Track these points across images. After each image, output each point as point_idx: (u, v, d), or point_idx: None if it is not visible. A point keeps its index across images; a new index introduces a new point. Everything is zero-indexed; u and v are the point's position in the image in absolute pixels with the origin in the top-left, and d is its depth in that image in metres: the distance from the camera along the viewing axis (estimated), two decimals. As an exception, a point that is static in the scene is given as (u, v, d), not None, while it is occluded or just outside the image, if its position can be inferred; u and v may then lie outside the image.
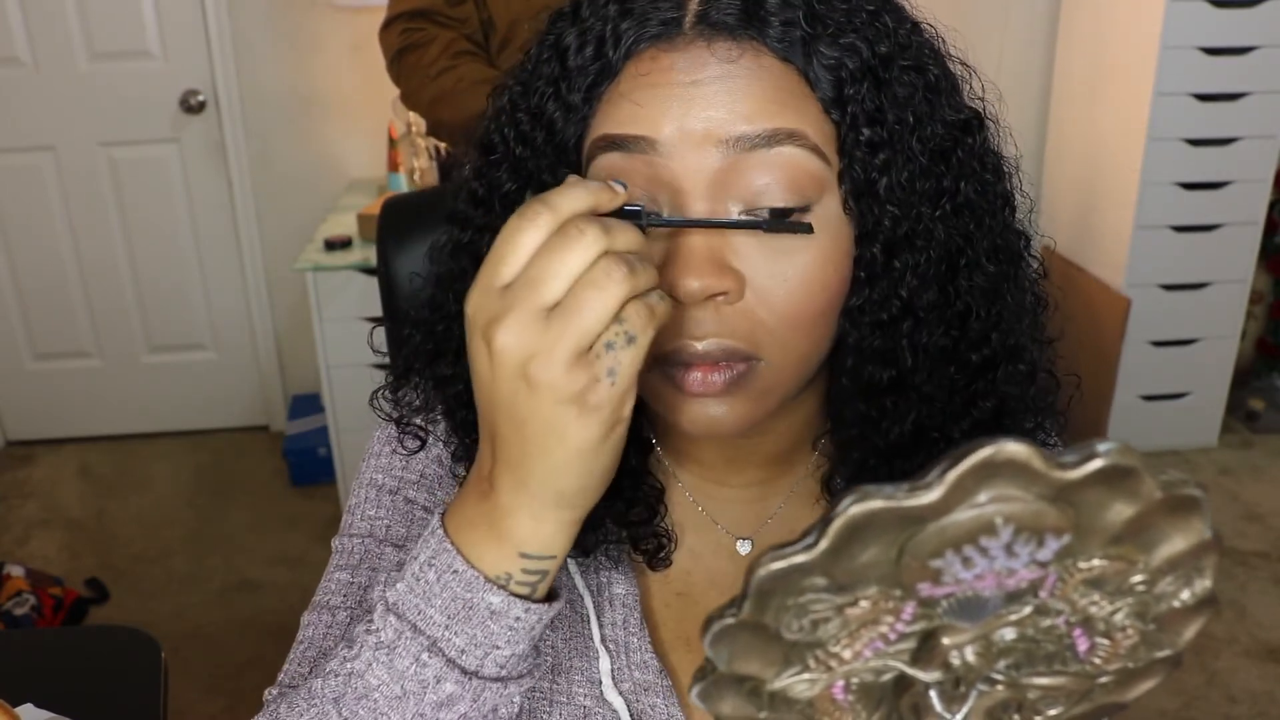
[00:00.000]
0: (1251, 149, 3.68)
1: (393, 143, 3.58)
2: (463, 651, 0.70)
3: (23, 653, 1.63)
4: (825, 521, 0.40)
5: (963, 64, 0.84)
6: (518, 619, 0.70)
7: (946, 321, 0.80)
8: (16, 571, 3.24)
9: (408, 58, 2.56)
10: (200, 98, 3.87)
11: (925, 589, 0.44)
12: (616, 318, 0.62)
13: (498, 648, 0.71)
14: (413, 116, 3.47)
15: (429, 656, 0.70)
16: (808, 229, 0.73)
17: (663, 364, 0.76)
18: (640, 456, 0.89)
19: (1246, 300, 3.91)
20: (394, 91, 2.87)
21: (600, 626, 0.90)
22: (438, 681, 0.70)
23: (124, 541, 3.63)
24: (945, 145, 0.78)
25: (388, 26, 2.61)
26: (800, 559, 0.41)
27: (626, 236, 0.64)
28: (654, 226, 0.72)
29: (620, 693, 0.89)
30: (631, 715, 0.89)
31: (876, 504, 0.39)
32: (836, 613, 0.44)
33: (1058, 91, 4.13)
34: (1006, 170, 0.84)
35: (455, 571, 0.70)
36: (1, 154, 3.88)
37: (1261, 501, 3.75)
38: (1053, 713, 0.55)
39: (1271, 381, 4.39)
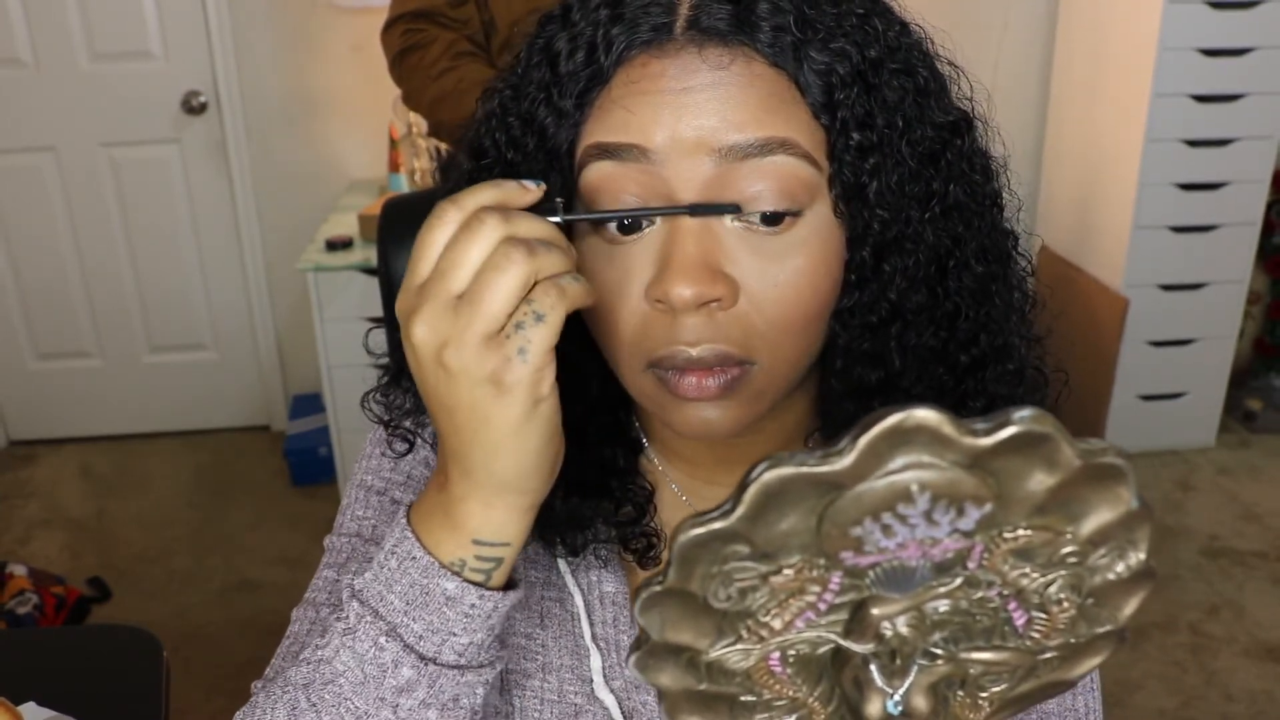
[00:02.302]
0: (1249, 150, 3.68)
1: (393, 143, 3.59)
2: (420, 637, 0.72)
3: (25, 652, 1.64)
4: (741, 488, 0.41)
5: (950, 64, 0.83)
6: (472, 606, 0.71)
7: (935, 323, 0.80)
8: (19, 571, 3.24)
9: (409, 58, 2.57)
10: (201, 98, 3.88)
11: (849, 558, 0.44)
12: (526, 299, 0.64)
13: (454, 635, 0.72)
14: (413, 117, 3.47)
15: (386, 640, 0.71)
16: (735, 209, 0.73)
17: (656, 368, 0.76)
18: (630, 456, 0.90)
19: (1244, 300, 3.91)
20: (394, 92, 2.88)
21: (591, 625, 0.90)
22: (395, 666, 0.71)
23: (125, 541, 3.64)
24: (934, 148, 0.78)
25: (389, 27, 2.62)
26: (718, 525, 0.42)
27: (529, 225, 0.66)
28: (571, 221, 0.73)
29: (611, 690, 0.89)
30: (623, 713, 0.89)
31: (789, 470, 0.40)
32: (762, 581, 0.45)
33: (1056, 92, 4.13)
34: (995, 170, 0.84)
35: (414, 558, 0.71)
36: (3, 154, 3.89)
37: (1259, 501, 3.74)
38: (997, 689, 0.55)
39: (1269, 381, 4.37)
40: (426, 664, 0.72)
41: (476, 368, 0.64)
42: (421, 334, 0.65)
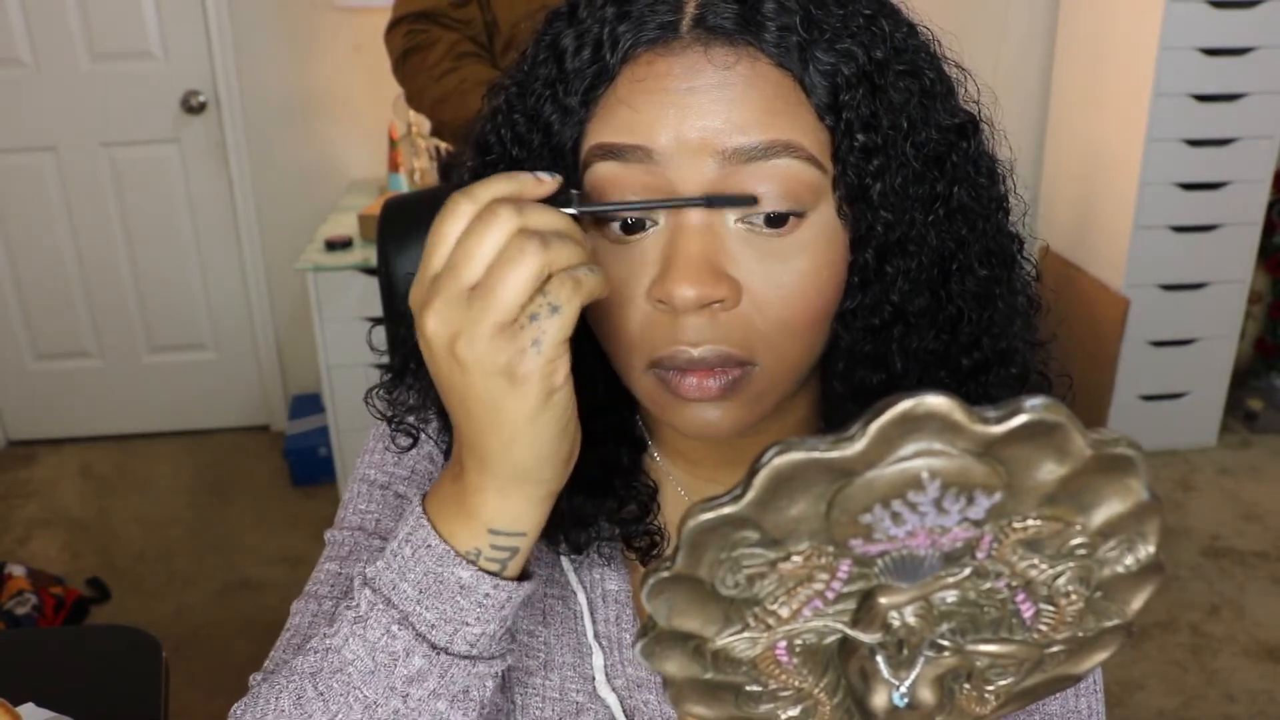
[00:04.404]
0: (1250, 149, 3.68)
1: (393, 143, 3.59)
2: (433, 626, 0.72)
3: (24, 652, 1.63)
4: (751, 473, 0.40)
5: (958, 67, 0.83)
6: (486, 595, 0.71)
7: (938, 326, 0.80)
8: (18, 571, 3.24)
9: (412, 59, 2.57)
10: (201, 98, 3.88)
11: (858, 545, 0.44)
12: (541, 290, 0.64)
13: (467, 624, 0.72)
14: (413, 116, 3.48)
15: (399, 629, 0.71)
16: (751, 201, 0.73)
17: (658, 368, 0.76)
18: (634, 455, 0.90)
19: (1245, 300, 3.91)
20: (394, 92, 2.88)
21: (594, 623, 0.91)
22: (407, 655, 0.71)
23: (125, 541, 3.63)
24: (939, 150, 0.77)
25: (392, 28, 2.62)
26: (728, 510, 0.41)
27: (542, 216, 0.65)
28: (585, 213, 0.73)
29: (613, 689, 0.89)
30: (624, 711, 0.89)
31: (799, 455, 0.39)
32: (770, 568, 0.45)
33: (1057, 92, 4.13)
34: (1001, 174, 0.84)
35: (428, 546, 0.71)
36: (3, 154, 3.89)
37: (1260, 501, 3.74)
38: (1004, 683, 0.55)
39: (1270, 381, 4.38)
40: (438, 653, 0.72)
41: (489, 359, 0.64)
42: (434, 325, 0.65)
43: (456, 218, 0.65)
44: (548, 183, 0.68)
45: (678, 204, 0.73)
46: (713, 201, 0.72)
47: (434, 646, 0.72)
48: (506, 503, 0.70)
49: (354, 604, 0.74)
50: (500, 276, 0.63)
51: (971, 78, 0.83)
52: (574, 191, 0.71)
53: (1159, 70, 3.52)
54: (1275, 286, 4.35)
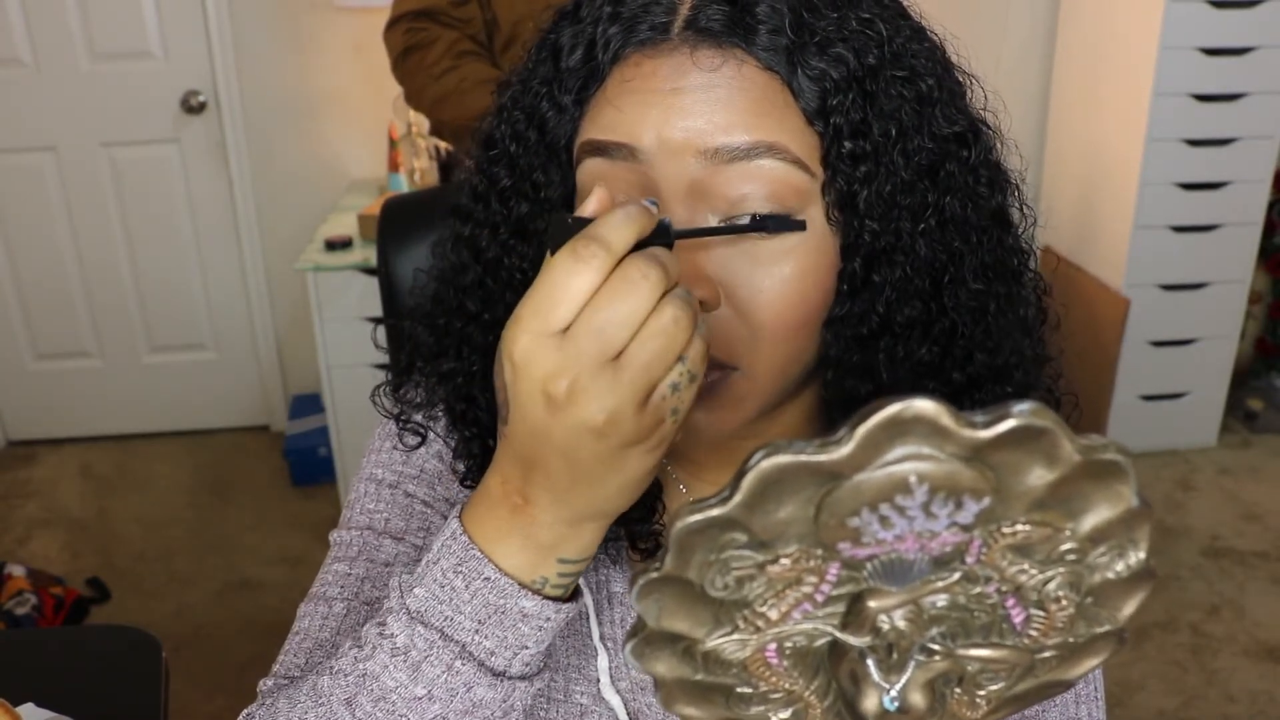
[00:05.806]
0: (1250, 149, 3.68)
1: (393, 143, 3.59)
2: (491, 653, 0.71)
3: (24, 652, 1.62)
4: (739, 475, 0.41)
5: (964, 73, 0.82)
6: (548, 619, 0.71)
7: (931, 338, 0.79)
8: (18, 571, 3.24)
9: (412, 58, 2.57)
10: (201, 98, 3.88)
11: (847, 549, 0.44)
12: (679, 356, 0.63)
13: (526, 648, 0.71)
14: (413, 116, 3.47)
15: (462, 664, 0.70)
16: (801, 226, 0.73)
17: None
18: None
19: (1245, 300, 3.91)
20: (394, 92, 2.87)
21: (599, 625, 0.90)
22: (468, 689, 0.71)
23: (125, 541, 3.64)
24: (933, 159, 0.77)
25: (392, 26, 2.62)
26: (716, 512, 0.41)
27: (675, 267, 0.64)
28: (680, 238, 0.70)
29: (618, 691, 0.89)
30: (629, 714, 0.89)
31: (786, 458, 0.39)
32: (759, 570, 0.45)
33: (1057, 92, 4.13)
34: (1007, 184, 0.83)
35: (486, 579, 0.69)
36: (3, 154, 3.90)
37: (1260, 501, 3.74)
38: (995, 687, 0.55)
39: (1270, 381, 4.38)
40: (500, 680, 0.71)
41: (634, 433, 0.63)
42: (578, 399, 0.61)
43: (590, 270, 0.61)
44: (655, 213, 0.65)
45: (742, 229, 0.73)
46: (771, 226, 0.73)
47: (495, 674, 0.71)
48: (580, 536, 0.69)
49: (391, 633, 0.72)
50: (655, 352, 0.61)
51: (980, 84, 0.83)
52: (668, 220, 0.67)
53: (1159, 70, 3.52)
54: (1275, 286, 4.35)
